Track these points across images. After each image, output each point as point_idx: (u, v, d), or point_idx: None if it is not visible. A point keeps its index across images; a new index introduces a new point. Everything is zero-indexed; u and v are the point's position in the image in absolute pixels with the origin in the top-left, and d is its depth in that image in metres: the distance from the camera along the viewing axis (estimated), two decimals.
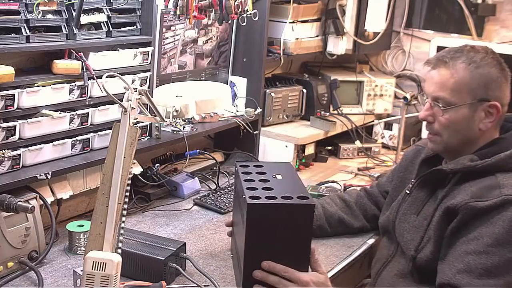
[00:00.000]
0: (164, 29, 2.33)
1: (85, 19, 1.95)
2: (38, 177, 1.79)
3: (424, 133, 1.89)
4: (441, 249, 1.56)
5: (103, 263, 1.36)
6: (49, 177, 1.82)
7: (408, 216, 1.71)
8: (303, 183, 1.62)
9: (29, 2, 1.79)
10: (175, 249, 1.69)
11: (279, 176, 1.63)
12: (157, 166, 2.32)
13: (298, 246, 1.50)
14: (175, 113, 2.15)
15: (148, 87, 2.16)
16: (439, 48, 2.66)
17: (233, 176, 2.55)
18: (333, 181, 2.60)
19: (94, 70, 1.94)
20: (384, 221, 1.85)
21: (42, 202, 1.82)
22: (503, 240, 1.45)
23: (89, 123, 1.99)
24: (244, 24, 2.34)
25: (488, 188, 1.52)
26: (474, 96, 1.59)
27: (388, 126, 3.20)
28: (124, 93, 1.50)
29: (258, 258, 1.49)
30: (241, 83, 2.69)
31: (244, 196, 1.46)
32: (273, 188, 1.53)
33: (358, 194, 2.08)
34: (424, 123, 1.70)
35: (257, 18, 2.35)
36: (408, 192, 1.76)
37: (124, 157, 1.44)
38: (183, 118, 2.25)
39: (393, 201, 1.84)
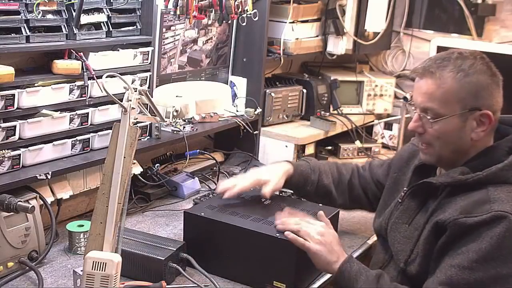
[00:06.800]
0: (164, 29, 2.33)
1: (85, 19, 1.95)
2: (38, 177, 1.79)
3: None
4: (431, 263, 1.53)
5: (103, 263, 1.36)
6: (49, 177, 1.82)
7: (400, 226, 1.68)
8: None
9: (29, 2, 1.79)
10: (175, 249, 1.69)
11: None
12: (157, 166, 2.32)
13: None
14: (175, 113, 2.15)
15: (148, 87, 2.16)
16: (439, 48, 2.65)
17: (233, 175, 2.56)
18: None
19: (94, 70, 1.94)
20: (377, 226, 1.83)
21: (42, 202, 1.82)
22: (488, 257, 1.42)
23: (89, 123, 1.99)
24: (244, 24, 2.34)
25: (478, 203, 1.47)
26: (464, 106, 1.51)
27: (388, 126, 3.20)
28: (124, 93, 1.50)
29: None
30: (241, 83, 2.69)
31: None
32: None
33: (353, 172, 2.04)
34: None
35: (257, 18, 2.35)
36: (400, 200, 1.72)
37: (124, 157, 1.44)
38: (183, 118, 2.25)
39: (386, 204, 1.82)
